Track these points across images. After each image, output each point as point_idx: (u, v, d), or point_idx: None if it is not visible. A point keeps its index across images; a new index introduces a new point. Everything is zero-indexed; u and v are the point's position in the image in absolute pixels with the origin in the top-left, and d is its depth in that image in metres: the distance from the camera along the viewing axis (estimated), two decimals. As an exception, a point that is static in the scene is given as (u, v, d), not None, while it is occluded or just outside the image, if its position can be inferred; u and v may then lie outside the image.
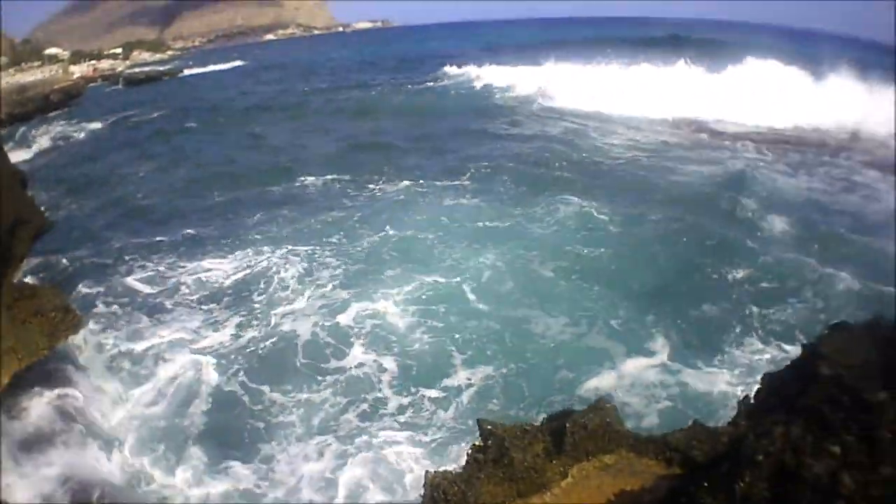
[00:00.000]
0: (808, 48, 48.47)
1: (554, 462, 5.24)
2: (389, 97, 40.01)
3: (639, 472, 5.05)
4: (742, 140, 23.25)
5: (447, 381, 10.41)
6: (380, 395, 10.28)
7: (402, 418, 9.72)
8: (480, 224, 16.20)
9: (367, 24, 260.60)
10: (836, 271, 12.47)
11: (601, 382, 10.15)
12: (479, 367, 10.60)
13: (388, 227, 16.28)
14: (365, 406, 10.05)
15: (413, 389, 10.28)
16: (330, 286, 13.80)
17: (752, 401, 5.39)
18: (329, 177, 21.97)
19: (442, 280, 13.45)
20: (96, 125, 42.60)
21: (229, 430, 9.91)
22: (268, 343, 11.90)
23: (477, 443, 5.53)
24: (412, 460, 8.84)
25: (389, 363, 10.99)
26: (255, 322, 12.64)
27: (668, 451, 5.26)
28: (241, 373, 11.07)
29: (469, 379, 10.37)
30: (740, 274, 13.00)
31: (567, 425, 5.39)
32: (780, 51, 37.94)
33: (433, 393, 10.13)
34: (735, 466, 3.52)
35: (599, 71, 39.89)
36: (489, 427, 5.59)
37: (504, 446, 5.31)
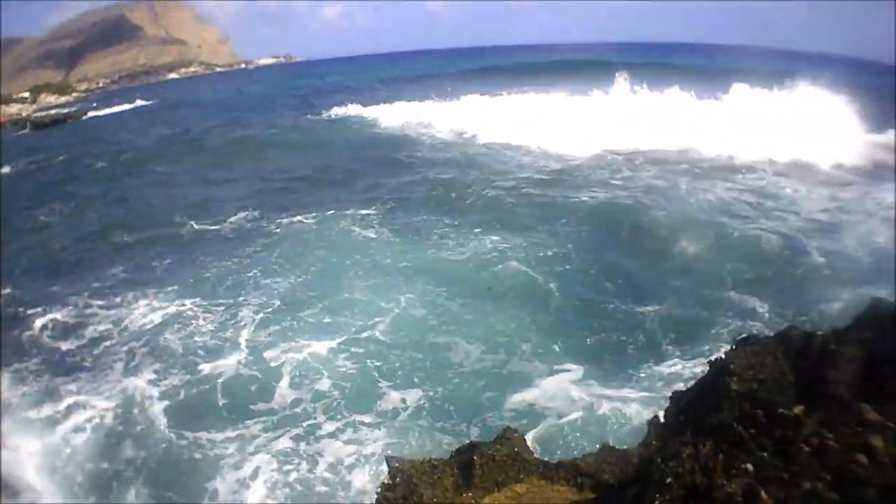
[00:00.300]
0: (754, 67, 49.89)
1: (464, 495, 5.03)
2: (293, 132, 39.60)
3: (550, 499, 4.87)
4: (654, 163, 23.97)
5: (380, 406, 10.44)
6: (314, 422, 10.20)
7: (339, 439, 9.71)
8: (395, 255, 16.05)
9: (270, 60, 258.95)
10: (749, 292, 12.88)
11: (517, 404, 10.16)
12: (409, 391, 10.66)
13: (303, 262, 15.92)
14: (300, 431, 9.96)
15: (346, 414, 10.27)
16: (251, 325, 13.33)
17: (662, 420, 5.30)
18: (240, 214, 21.33)
19: (361, 312, 13.25)
20: (5, 170, 40.84)
21: (161, 472, 9.52)
22: (193, 387, 11.37)
23: (386, 481, 5.33)
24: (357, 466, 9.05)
25: (319, 394, 10.85)
26: (177, 366, 12.08)
27: (578, 477, 5.10)
28: (168, 417, 10.65)
29: (402, 401, 10.47)
30: (651, 295, 13.22)
31: (475, 458, 5.21)
32: (692, 73, 38.98)
33: (367, 418, 10.15)
34: (645, 489, 3.33)
35: (509, 101, 40.65)
36: (397, 465, 5.41)
37: (413, 483, 5.13)
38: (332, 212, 20.32)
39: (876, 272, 13.25)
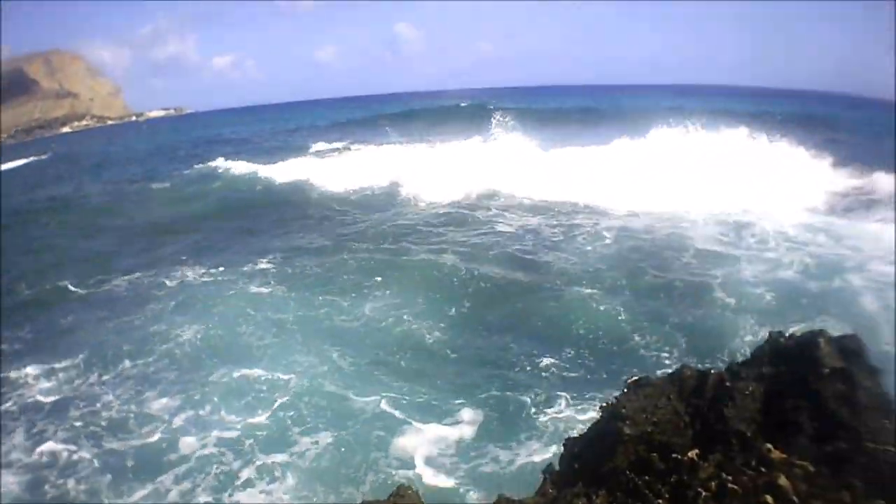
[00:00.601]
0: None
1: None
2: (179, 188, 38.18)
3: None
4: (538, 211, 24.39)
5: (293, 448, 10.30)
6: (227, 469, 9.90)
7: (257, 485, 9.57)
8: (291, 312, 15.52)
9: (161, 113, 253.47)
10: (650, 331, 13.02)
11: (410, 455, 9.87)
12: (317, 435, 10.61)
13: (200, 322, 15.09)
14: (214, 482, 9.64)
15: (262, 456, 10.03)
16: (154, 391, 12.51)
17: (557, 468, 5.08)
18: (134, 275, 20.08)
19: (262, 371, 12.77)
20: None
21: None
22: (98, 458, 10.52)
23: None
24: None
25: (229, 445, 10.57)
26: (79, 439, 11.13)
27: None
28: (78, 487, 10.11)
29: (314, 444, 10.40)
30: (549, 344, 13.17)
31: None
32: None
33: (279, 457, 9.99)
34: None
35: (399, 149, 40.63)
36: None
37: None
38: (222, 268, 19.45)
39: (779, 306, 13.72)
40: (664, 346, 12.72)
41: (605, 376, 11.90)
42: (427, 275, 17.41)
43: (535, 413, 10.84)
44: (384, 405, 11.50)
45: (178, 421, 11.53)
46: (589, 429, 4.51)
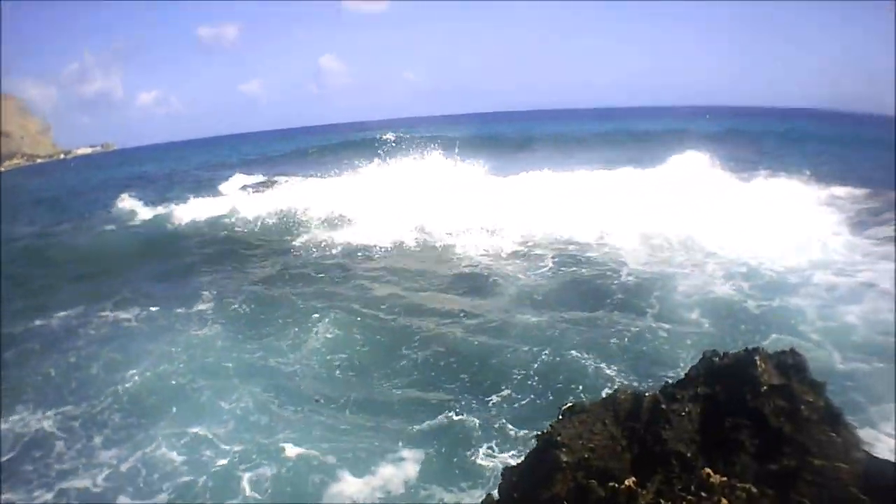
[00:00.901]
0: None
1: None
2: (105, 234, 36.88)
3: None
4: (486, 240, 24.37)
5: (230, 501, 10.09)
6: None
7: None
8: (224, 355, 15.07)
9: (89, 150, 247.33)
10: (599, 360, 13.02)
11: (351, 495, 9.59)
12: (259, 470, 10.54)
13: (131, 368, 14.58)
14: None
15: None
16: (97, 439, 12.01)
17: (497, 497, 4.95)
18: (61, 313, 19.17)
19: (199, 424, 12.33)
20: None
21: None
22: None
23: None
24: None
25: (178, 490, 10.35)
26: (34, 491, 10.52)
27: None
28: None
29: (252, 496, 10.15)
30: (495, 380, 13.03)
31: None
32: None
33: None
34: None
35: (327, 183, 39.78)
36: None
37: None
38: (156, 308, 18.74)
39: (715, 328, 13.86)
40: (607, 369, 12.79)
41: (547, 403, 11.85)
42: (362, 311, 17.09)
43: (480, 448, 10.66)
44: (321, 451, 11.10)
45: (122, 468, 11.07)
46: (526, 457, 4.40)
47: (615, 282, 18.28)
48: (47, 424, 12.81)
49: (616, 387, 10.99)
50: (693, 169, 29.66)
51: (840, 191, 26.55)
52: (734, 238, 19.91)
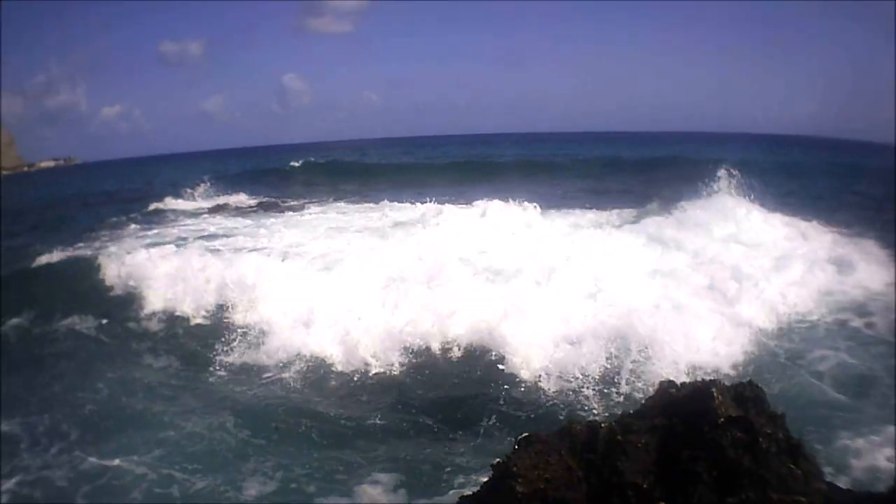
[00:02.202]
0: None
1: None
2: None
3: None
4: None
5: None
6: None
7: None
8: (179, 380, 14.58)
9: (52, 163, 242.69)
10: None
11: None
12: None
13: (89, 380, 14.09)
14: None
15: None
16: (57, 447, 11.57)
17: None
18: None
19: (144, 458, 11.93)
20: None
21: None
22: None
23: None
24: None
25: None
26: None
27: None
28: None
29: None
30: (465, 419, 12.81)
31: None
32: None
33: None
34: None
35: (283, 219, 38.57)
36: None
37: None
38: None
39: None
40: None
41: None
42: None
43: (441, 475, 10.44)
44: (282, 484, 10.71)
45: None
46: (481, 488, 4.32)
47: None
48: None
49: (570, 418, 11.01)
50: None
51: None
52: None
